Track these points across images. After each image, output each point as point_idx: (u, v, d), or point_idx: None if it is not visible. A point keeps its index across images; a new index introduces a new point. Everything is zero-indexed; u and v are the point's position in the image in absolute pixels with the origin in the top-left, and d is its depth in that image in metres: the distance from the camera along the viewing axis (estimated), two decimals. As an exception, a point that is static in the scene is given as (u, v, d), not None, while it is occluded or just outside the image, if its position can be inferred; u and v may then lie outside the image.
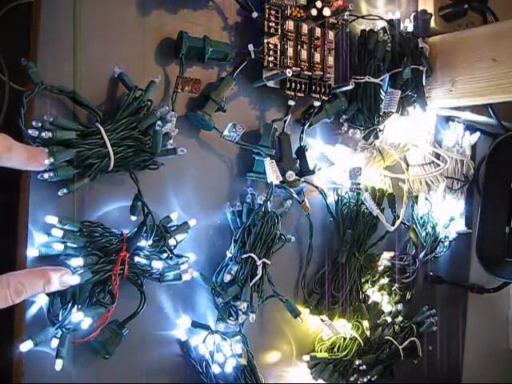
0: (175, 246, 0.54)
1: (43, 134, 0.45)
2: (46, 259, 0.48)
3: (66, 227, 0.48)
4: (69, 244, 0.48)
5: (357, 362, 0.72)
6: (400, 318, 0.79)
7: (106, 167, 0.48)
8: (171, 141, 0.53)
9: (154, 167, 0.52)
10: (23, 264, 0.47)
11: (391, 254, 0.78)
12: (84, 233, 0.49)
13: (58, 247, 0.47)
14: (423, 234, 0.81)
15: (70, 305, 0.48)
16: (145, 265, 0.52)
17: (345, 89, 0.67)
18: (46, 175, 0.45)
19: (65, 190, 0.47)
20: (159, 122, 0.50)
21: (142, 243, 0.51)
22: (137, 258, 0.51)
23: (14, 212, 0.49)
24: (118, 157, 0.48)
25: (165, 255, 0.53)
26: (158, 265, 0.52)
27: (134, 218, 0.51)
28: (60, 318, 0.47)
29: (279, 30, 0.61)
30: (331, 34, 0.64)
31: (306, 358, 0.70)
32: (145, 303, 0.52)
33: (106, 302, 0.49)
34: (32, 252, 0.47)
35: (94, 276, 0.48)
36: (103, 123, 0.49)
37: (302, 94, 0.63)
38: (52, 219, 0.48)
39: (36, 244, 0.48)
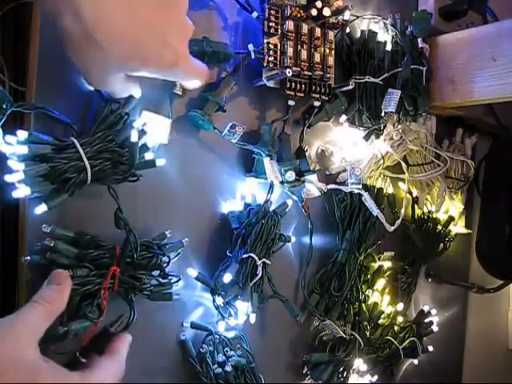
0: (168, 264, 0.54)
1: (18, 149, 0.44)
2: (37, 267, 0.48)
3: (59, 236, 0.48)
4: (61, 254, 0.48)
5: (357, 362, 0.72)
6: (400, 318, 0.79)
7: (83, 181, 0.47)
8: (150, 152, 0.52)
9: (134, 179, 0.51)
10: (24, 271, 0.47)
11: (391, 253, 0.78)
12: (77, 243, 0.49)
13: (50, 256, 0.47)
14: (423, 234, 0.81)
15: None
16: (136, 281, 0.51)
17: (345, 89, 0.67)
18: (20, 192, 0.44)
19: (43, 207, 0.46)
20: (134, 133, 0.50)
21: (135, 259, 0.51)
22: (128, 274, 0.51)
23: (15, 218, 0.49)
24: (95, 170, 0.47)
25: (157, 273, 0.53)
26: (149, 282, 0.52)
27: (120, 231, 0.51)
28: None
29: (279, 30, 0.61)
30: (331, 34, 0.64)
31: (306, 357, 0.70)
32: (134, 318, 0.52)
33: (94, 315, 0.48)
34: (24, 259, 0.47)
35: (82, 288, 0.47)
36: (79, 136, 0.48)
37: (302, 94, 0.63)
38: (46, 227, 0.47)
39: (29, 251, 0.48)
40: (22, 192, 0.44)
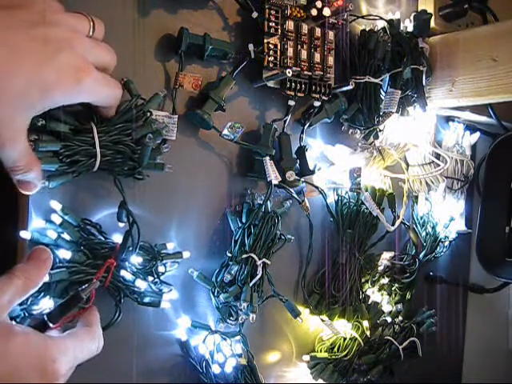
0: (163, 273, 0.54)
1: (36, 121, 0.44)
2: (35, 245, 0.47)
3: (66, 217, 0.48)
4: (63, 235, 0.48)
5: (357, 362, 0.72)
6: (400, 318, 0.79)
7: (91, 167, 0.48)
8: (161, 156, 0.53)
9: (140, 177, 0.52)
10: (23, 248, 0.47)
11: (391, 254, 0.78)
12: (81, 229, 0.49)
13: (52, 235, 0.47)
14: (423, 234, 0.81)
15: (42, 294, 0.47)
16: (128, 281, 0.51)
17: (345, 89, 0.67)
18: None
19: (45, 182, 0.46)
20: (150, 135, 0.50)
21: (132, 259, 0.51)
22: (123, 272, 0.51)
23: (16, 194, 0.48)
24: (105, 159, 0.48)
25: (151, 278, 0.53)
26: (141, 285, 0.52)
27: (121, 224, 0.51)
28: (28, 302, 0.46)
29: (279, 30, 0.61)
30: (331, 34, 0.64)
31: (306, 357, 0.70)
32: (119, 317, 0.52)
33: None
34: (24, 234, 0.46)
35: (74, 275, 0.48)
36: (99, 123, 0.48)
37: (302, 94, 0.63)
38: (56, 205, 0.48)
39: (31, 227, 0.48)
40: None
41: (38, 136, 0.44)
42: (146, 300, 0.53)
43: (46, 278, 0.45)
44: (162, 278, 0.54)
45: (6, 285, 0.41)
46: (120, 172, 0.50)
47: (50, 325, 0.43)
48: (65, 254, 0.47)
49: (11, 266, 0.45)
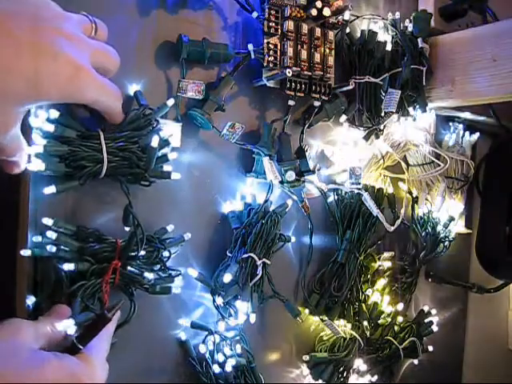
0: (168, 258, 0.54)
1: (45, 126, 0.45)
2: (38, 260, 0.48)
3: (60, 230, 0.48)
4: (62, 247, 0.48)
5: (357, 362, 0.72)
6: (400, 318, 0.79)
7: (97, 173, 0.48)
8: (168, 164, 0.53)
9: (146, 184, 0.52)
10: (24, 264, 0.47)
11: (391, 253, 0.78)
12: (78, 237, 0.49)
13: (51, 249, 0.47)
14: (423, 233, 0.81)
15: None
16: (136, 275, 0.52)
17: (345, 89, 0.67)
18: (34, 166, 0.45)
19: (52, 189, 0.47)
20: (156, 139, 0.50)
21: (136, 253, 0.51)
22: (129, 268, 0.51)
23: (14, 211, 0.49)
24: (111, 166, 0.48)
25: (157, 267, 0.53)
26: (149, 276, 0.52)
27: (127, 228, 0.51)
28: None
29: (279, 30, 0.61)
30: (331, 34, 0.64)
31: (306, 357, 0.70)
32: (134, 312, 0.52)
33: (96, 307, 0.49)
34: (25, 253, 0.47)
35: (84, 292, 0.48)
36: (107, 130, 0.49)
37: (302, 94, 0.63)
38: (47, 220, 0.48)
39: (30, 244, 0.48)
40: (36, 166, 0.45)
41: (46, 142, 0.45)
42: (157, 289, 0.54)
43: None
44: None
45: (36, 321, 0.45)
46: (125, 179, 0.50)
47: (80, 347, 0.44)
48: (68, 266, 0.47)
49: (11, 284, 0.46)
